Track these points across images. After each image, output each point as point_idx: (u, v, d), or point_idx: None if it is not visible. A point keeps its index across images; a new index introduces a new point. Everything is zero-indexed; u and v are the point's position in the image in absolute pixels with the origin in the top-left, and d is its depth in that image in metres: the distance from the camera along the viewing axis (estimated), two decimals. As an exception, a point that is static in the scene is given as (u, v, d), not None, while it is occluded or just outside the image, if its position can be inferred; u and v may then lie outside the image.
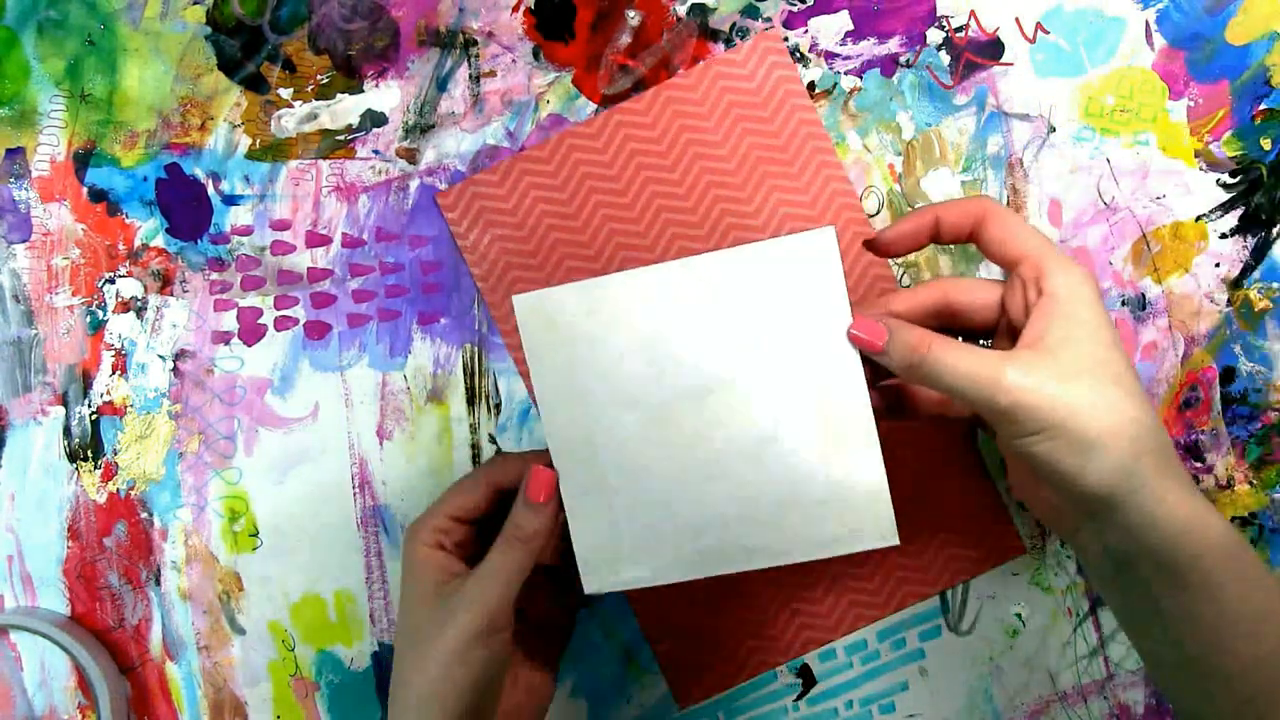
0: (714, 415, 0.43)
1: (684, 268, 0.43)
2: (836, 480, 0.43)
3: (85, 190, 0.55)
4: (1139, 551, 0.39)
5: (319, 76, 0.54)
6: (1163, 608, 0.40)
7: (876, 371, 0.42)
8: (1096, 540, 0.41)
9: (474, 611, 0.42)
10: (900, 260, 0.54)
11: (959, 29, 0.53)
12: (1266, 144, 0.53)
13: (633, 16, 0.54)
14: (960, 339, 0.41)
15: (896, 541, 0.43)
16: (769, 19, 0.53)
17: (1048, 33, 0.53)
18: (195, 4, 0.54)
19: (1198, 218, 0.53)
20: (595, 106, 0.54)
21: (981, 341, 0.46)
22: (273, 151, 0.54)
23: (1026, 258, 0.41)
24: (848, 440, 0.43)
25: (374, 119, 0.54)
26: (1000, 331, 0.44)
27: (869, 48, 0.54)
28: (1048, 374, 0.38)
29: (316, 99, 0.54)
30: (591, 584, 0.44)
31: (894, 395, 0.48)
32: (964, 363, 0.39)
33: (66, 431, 0.55)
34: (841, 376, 0.43)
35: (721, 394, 0.43)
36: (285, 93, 0.54)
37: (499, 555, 0.43)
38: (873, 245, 0.45)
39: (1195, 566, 0.38)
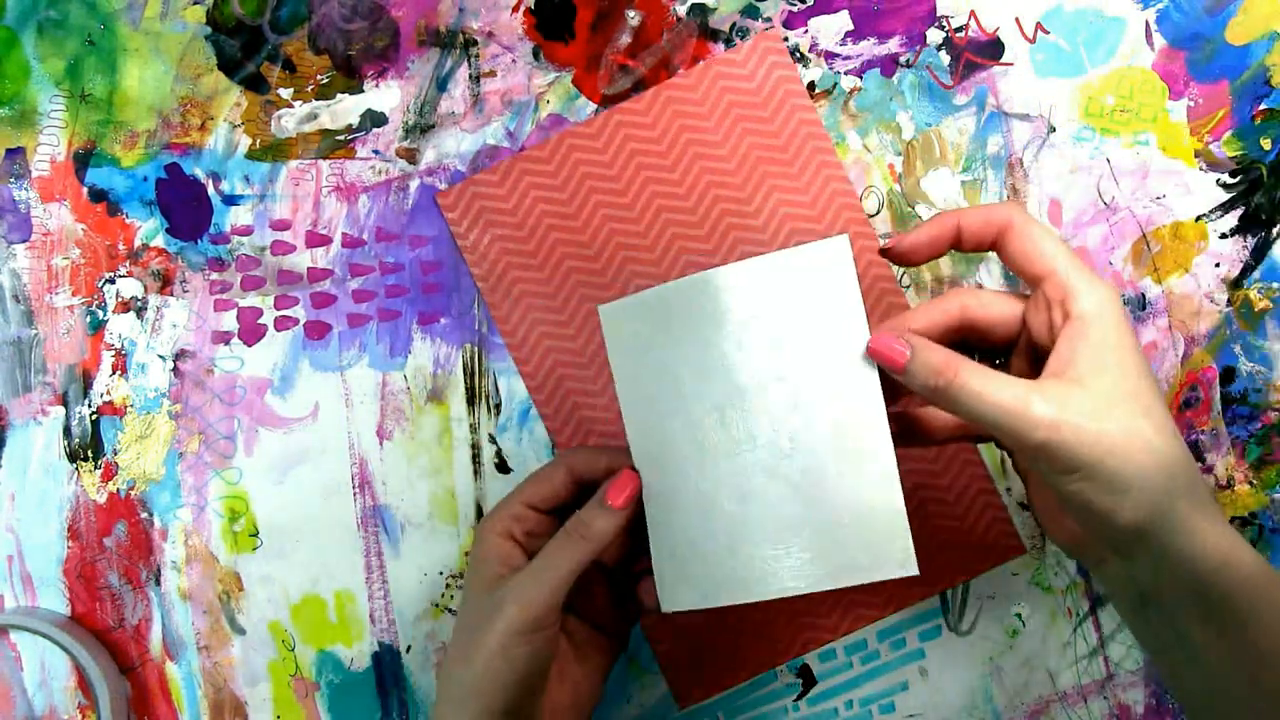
0: (739, 429, 0.42)
1: (710, 278, 0.42)
2: (853, 504, 0.41)
3: (85, 190, 0.55)
4: (1169, 587, 0.38)
5: (319, 76, 0.54)
6: (1191, 639, 0.38)
7: (893, 390, 0.41)
8: (1123, 574, 0.40)
9: (520, 605, 0.42)
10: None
11: (959, 29, 0.53)
12: (1266, 144, 0.53)
13: (633, 16, 0.54)
14: (976, 355, 0.40)
15: (916, 571, 0.41)
16: (769, 19, 0.53)
17: (1048, 33, 0.53)
18: (195, 4, 0.54)
19: (1198, 218, 0.53)
20: (595, 106, 0.54)
21: (998, 361, 0.44)
22: (273, 151, 0.54)
23: (1051, 275, 0.39)
24: (864, 463, 0.41)
25: (374, 119, 0.54)
26: (1019, 348, 0.43)
27: (869, 48, 0.54)
28: (1081, 409, 0.37)
29: (316, 99, 0.54)
30: (667, 602, 0.44)
31: (906, 419, 0.46)
32: (992, 391, 0.37)
33: (66, 431, 0.55)
34: (858, 395, 0.41)
35: (743, 407, 0.42)
36: (285, 93, 0.54)
37: (555, 549, 0.43)
38: (890, 253, 0.43)
39: (1226, 601, 0.37)
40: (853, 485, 0.41)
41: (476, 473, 0.55)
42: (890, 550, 0.41)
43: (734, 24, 0.54)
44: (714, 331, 0.42)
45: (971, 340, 0.43)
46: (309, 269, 0.55)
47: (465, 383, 0.55)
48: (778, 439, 0.42)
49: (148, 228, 0.55)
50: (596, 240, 0.54)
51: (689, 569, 0.43)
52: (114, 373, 0.55)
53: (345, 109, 0.54)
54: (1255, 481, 0.54)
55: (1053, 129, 0.53)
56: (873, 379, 0.41)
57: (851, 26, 0.53)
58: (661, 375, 0.44)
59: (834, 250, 0.41)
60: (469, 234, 0.54)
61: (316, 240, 0.55)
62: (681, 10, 0.54)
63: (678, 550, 0.44)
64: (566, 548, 0.43)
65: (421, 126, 0.54)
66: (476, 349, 0.55)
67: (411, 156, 0.54)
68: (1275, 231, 0.53)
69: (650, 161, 0.53)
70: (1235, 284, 0.53)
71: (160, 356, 0.55)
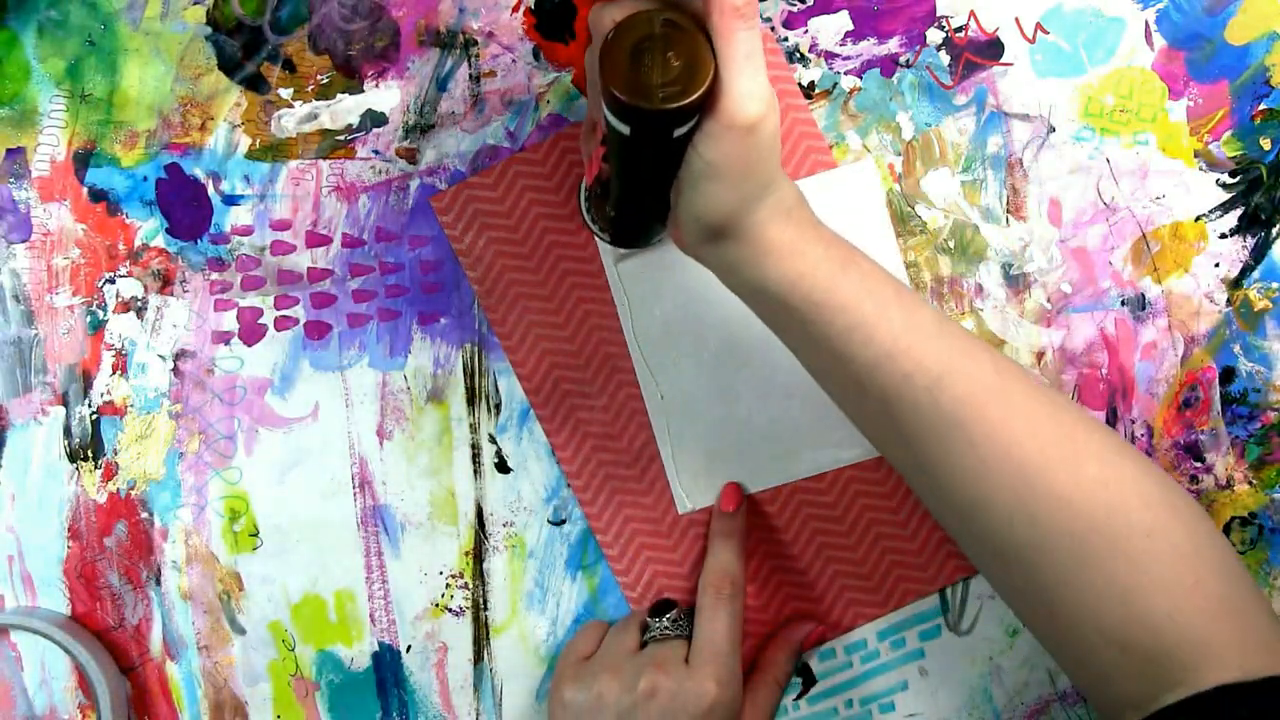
0: (760, 340, 0.51)
1: None
2: None
3: (85, 190, 0.55)
4: (749, 286, 0.43)
5: (319, 76, 0.54)
6: (784, 327, 0.44)
7: None
8: (718, 263, 0.44)
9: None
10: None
11: (959, 29, 0.53)
12: (1266, 144, 0.53)
13: (632, 16, 0.54)
14: None
15: None
16: (769, 19, 0.53)
17: (1047, 33, 0.53)
18: (195, 4, 0.54)
19: (1197, 218, 0.53)
20: (595, 106, 0.54)
21: None
22: (273, 151, 0.54)
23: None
24: None
25: (374, 119, 0.54)
26: None
27: (869, 48, 0.54)
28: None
29: (316, 99, 0.54)
30: (684, 507, 0.54)
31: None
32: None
33: (67, 431, 0.55)
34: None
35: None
36: (285, 93, 0.54)
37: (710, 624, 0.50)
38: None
39: (795, 292, 0.42)
40: None
41: (476, 473, 0.55)
42: None
43: (734, 24, 0.54)
44: None
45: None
46: (309, 269, 0.55)
47: (465, 383, 0.55)
48: None
49: (148, 228, 0.55)
50: (591, 242, 0.54)
51: (711, 475, 0.53)
52: (114, 373, 0.55)
53: (345, 109, 0.54)
54: (1255, 481, 0.54)
55: (1052, 129, 0.53)
56: (901, 275, 0.52)
57: (851, 26, 0.53)
58: (668, 301, 0.52)
59: (861, 171, 0.50)
60: (464, 238, 0.54)
61: (316, 240, 0.55)
62: (681, 10, 0.54)
63: (695, 461, 0.53)
64: (720, 612, 0.50)
65: (421, 126, 0.54)
66: (476, 349, 0.55)
67: (411, 156, 0.54)
68: (1275, 231, 0.53)
69: (647, 162, 0.53)
70: (1235, 284, 0.53)
71: (160, 356, 0.55)
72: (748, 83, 0.38)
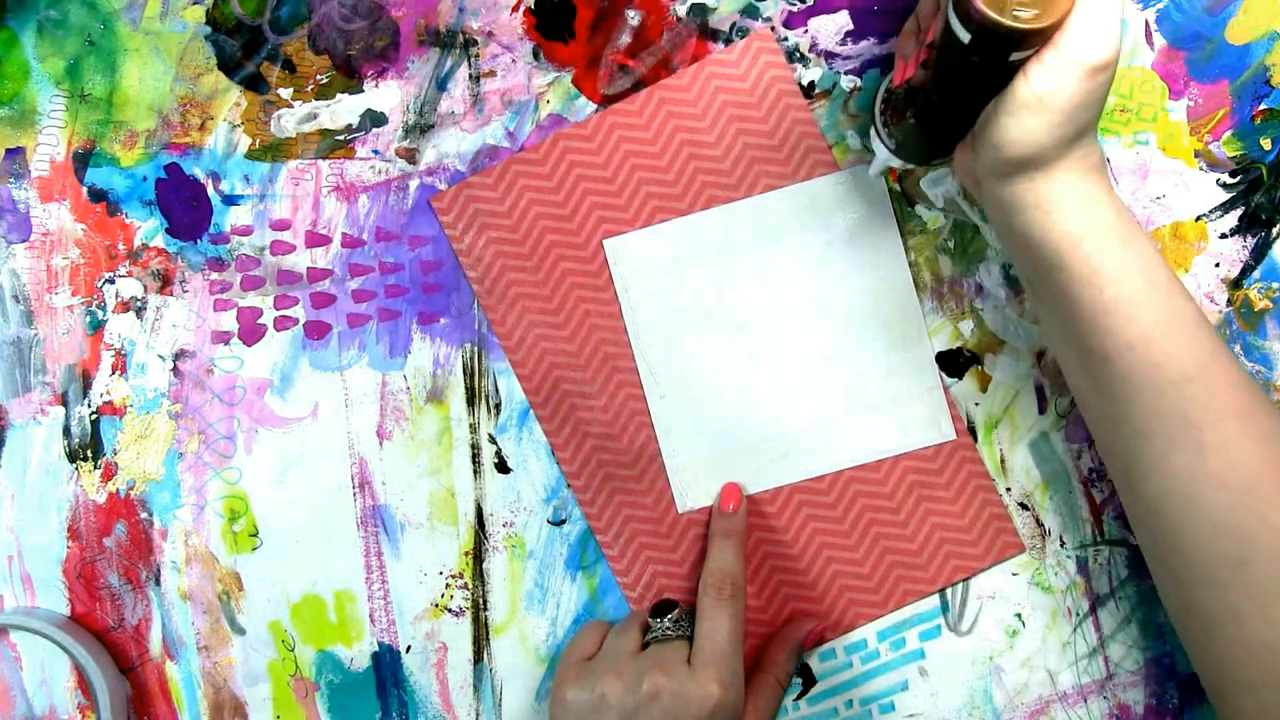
0: (762, 341, 0.53)
1: (746, 206, 0.52)
2: (896, 384, 0.52)
3: (85, 190, 0.55)
4: (1023, 228, 0.42)
5: (319, 76, 0.54)
6: (1045, 283, 0.43)
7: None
8: (996, 199, 0.43)
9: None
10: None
11: (959, 29, 0.53)
12: (1266, 144, 0.53)
13: (633, 16, 0.54)
14: None
15: (954, 436, 0.53)
16: (769, 19, 0.53)
17: (1047, 32, 0.53)
18: (195, 4, 0.54)
19: (1197, 218, 0.53)
20: (595, 106, 0.54)
21: None
22: (272, 151, 0.54)
23: None
24: (904, 346, 0.52)
25: (374, 119, 0.54)
26: None
27: (869, 47, 0.54)
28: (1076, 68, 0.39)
29: (316, 99, 0.54)
30: (683, 506, 0.54)
31: None
32: None
33: (66, 431, 0.55)
34: (899, 295, 0.52)
35: (785, 315, 0.52)
36: (285, 93, 0.54)
37: (712, 621, 0.50)
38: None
39: (1075, 251, 0.41)
40: (893, 366, 0.52)
41: (476, 473, 0.55)
42: (930, 418, 0.53)
43: (734, 24, 0.54)
44: (750, 249, 0.52)
45: None
46: (309, 269, 0.55)
47: (465, 383, 0.55)
48: (821, 337, 0.53)
49: (147, 228, 0.55)
50: (591, 242, 0.54)
51: (711, 475, 0.53)
52: (114, 373, 0.55)
53: (345, 109, 0.54)
54: (1255, 481, 0.54)
55: (1052, 129, 0.53)
56: (905, 271, 0.52)
57: (851, 26, 0.53)
58: (672, 300, 0.53)
59: (865, 173, 0.50)
60: (464, 237, 0.54)
61: (316, 240, 0.55)
62: (681, 10, 0.54)
63: (695, 461, 0.53)
64: (721, 612, 0.49)
65: (421, 126, 0.54)
66: (476, 349, 0.55)
67: (411, 156, 0.54)
68: (1275, 231, 0.53)
69: (644, 162, 0.53)
70: (1235, 284, 0.53)
71: (160, 356, 0.55)
72: (1104, 24, 0.37)
